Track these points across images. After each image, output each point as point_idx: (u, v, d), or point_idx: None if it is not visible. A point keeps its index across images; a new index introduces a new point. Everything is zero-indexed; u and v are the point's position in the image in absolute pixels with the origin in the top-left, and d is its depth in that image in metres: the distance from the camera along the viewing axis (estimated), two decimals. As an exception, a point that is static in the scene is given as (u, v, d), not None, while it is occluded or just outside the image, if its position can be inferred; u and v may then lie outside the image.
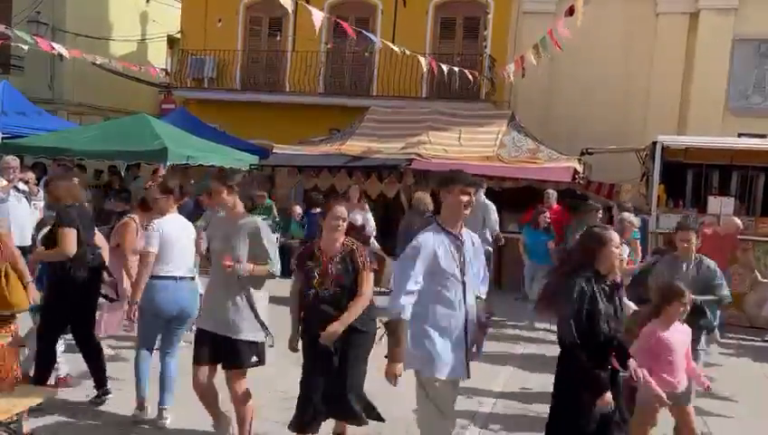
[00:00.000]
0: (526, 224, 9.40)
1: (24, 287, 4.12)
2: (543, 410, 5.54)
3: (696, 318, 4.54)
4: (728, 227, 8.43)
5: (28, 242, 8.53)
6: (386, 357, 3.61)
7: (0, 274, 4.00)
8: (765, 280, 8.06)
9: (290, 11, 7.86)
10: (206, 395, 4.33)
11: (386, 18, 15.91)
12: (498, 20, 15.19)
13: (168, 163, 10.09)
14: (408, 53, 10.48)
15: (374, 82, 15.91)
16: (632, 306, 4.93)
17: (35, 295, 4.31)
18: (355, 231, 4.60)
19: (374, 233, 10.06)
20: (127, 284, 5.54)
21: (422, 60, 10.49)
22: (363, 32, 9.87)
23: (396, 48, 10.09)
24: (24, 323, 5.09)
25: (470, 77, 11.63)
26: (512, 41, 14.77)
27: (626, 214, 7.33)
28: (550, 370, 6.58)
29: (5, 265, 4.05)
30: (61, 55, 10.21)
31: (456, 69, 11.38)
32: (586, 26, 9.48)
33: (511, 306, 9.22)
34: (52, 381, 5.11)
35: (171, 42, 20.58)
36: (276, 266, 4.22)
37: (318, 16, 8.61)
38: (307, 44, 15.14)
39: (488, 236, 8.95)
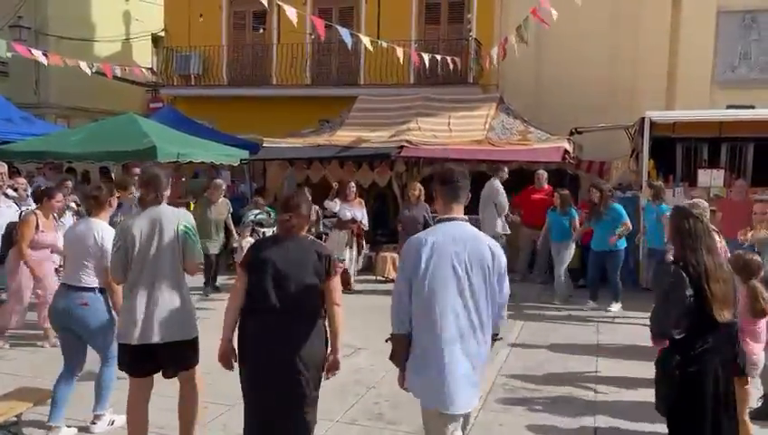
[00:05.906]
0: (550, 208, 9.56)
1: None
2: (542, 388, 5.66)
3: None
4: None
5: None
6: None
7: None
8: None
9: (266, 5, 7.69)
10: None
11: (370, 6, 15.84)
12: (483, 2, 15.14)
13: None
14: (385, 45, 10.34)
15: (361, 71, 15.86)
16: None
17: None
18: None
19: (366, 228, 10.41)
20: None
21: (399, 51, 10.35)
22: (337, 27, 9.69)
23: (368, 44, 9.87)
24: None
25: (452, 64, 11.51)
26: (497, 23, 14.71)
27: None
28: (551, 348, 6.79)
29: None
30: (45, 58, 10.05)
31: (438, 57, 11.28)
32: (570, 4, 9.46)
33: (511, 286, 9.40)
34: None
35: (155, 40, 20.46)
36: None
37: (292, 13, 8.50)
38: (292, 37, 15.07)
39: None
